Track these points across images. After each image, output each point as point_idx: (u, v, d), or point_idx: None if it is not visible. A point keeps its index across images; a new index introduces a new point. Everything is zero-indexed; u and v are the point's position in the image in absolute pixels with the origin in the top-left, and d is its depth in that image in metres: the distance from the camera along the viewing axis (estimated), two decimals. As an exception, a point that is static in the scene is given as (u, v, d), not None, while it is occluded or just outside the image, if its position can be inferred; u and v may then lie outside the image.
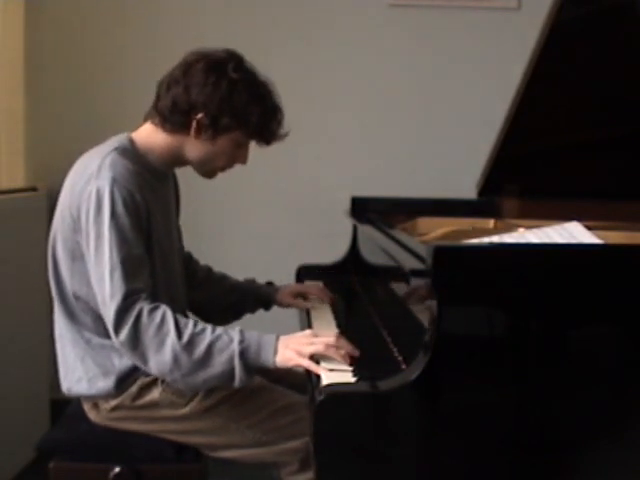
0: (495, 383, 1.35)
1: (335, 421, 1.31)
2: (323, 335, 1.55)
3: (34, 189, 2.83)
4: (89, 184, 1.57)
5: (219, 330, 1.53)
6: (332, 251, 2.42)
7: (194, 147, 1.67)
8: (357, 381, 1.41)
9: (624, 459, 1.39)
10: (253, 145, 1.74)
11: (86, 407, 1.69)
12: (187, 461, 1.67)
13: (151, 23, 3.03)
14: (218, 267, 2.07)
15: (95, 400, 1.66)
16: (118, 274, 1.51)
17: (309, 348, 1.50)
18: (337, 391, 1.33)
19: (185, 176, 1.88)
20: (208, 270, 2.04)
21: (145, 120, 1.72)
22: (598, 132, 2.08)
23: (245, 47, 1.71)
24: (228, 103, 1.62)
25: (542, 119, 2.05)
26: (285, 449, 1.63)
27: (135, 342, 1.51)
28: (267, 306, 2.06)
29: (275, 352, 1.52)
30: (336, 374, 1.44)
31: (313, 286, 2.11)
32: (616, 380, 1.38)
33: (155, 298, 1.55)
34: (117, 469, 1.64)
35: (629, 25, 1.86)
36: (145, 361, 1.52)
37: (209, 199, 2.20)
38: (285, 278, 2.23)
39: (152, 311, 1.51)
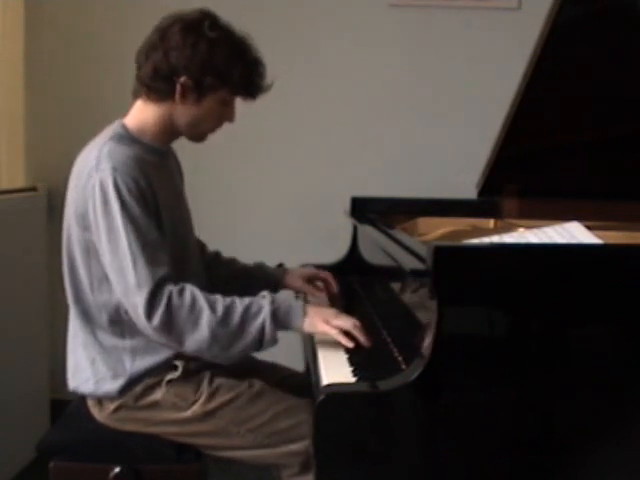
0: (495, 383, 1.35)
1: (335, 421, 1.31)
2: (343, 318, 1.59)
3: (34, 189, 2.83)
4: (91, 178, 1.56)
5: (247, 299, 1.57)
6: (332, 251, 2.42)
7: (182, 113, 1.67)
8: (357, 381, 1.42)
9: (624, 459, 1.39)
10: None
11: (90, 403, 1.69)
12: (187, 461, 1.67)
13: (151, 23, 3.01)
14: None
15: (100, 398, 1.66)
16: (142, 263, 1.51)
17: (337, 321, 1.56)
18: (337, 391, 1.33)
19: (185, 176, 1.88)
20: (216, 253, 2.03)
21: (134, 99, 1.72)
22: (598, 132, 2.08)
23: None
24: (209, 63, 1.62)
25: (542, 119, 2.05)
26: (286, 452, 1.63)
27: (170, 325, 1.52)
28: (275, 289, 2.02)
29: (304, 314, 1.57)
30: (336, 374, 1.44)
31: (323, 271, 2.10)
32: (616, 380, 1.38)
33: (178, 278, 1.56)
34: (117, 469, 1.64)
35: (629, 25, 1.86)
36: (181, 342, 1.54)
37: (209, 199, 2.19)
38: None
39: (181, 292, 1.53)
